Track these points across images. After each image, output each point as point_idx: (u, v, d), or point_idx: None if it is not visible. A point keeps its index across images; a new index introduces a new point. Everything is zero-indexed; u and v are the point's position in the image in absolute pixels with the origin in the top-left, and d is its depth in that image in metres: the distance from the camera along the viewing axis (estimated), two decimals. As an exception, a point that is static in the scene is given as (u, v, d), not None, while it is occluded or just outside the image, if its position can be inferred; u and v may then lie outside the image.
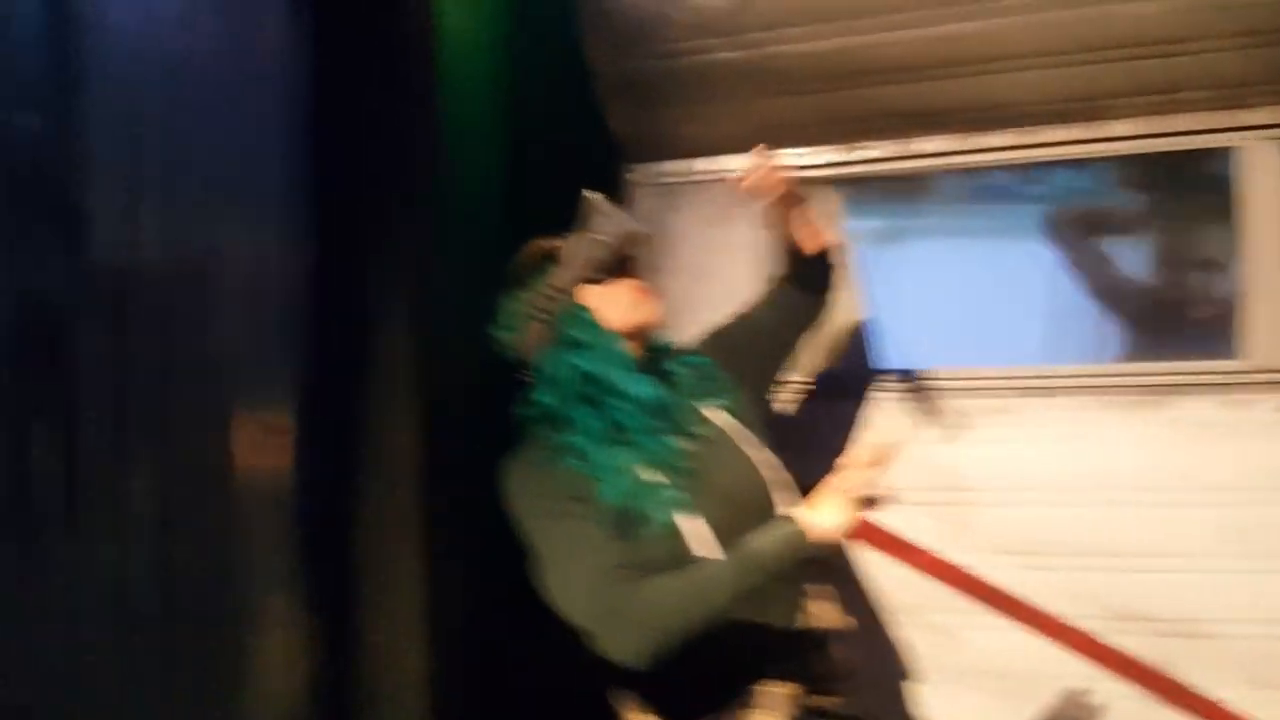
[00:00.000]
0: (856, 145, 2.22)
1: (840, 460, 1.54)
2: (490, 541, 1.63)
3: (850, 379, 2.24)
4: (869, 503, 1.51)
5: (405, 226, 1.81)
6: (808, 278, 1.85)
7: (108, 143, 1.30)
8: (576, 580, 1.43)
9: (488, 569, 1.81)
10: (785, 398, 2.20)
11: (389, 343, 1.76)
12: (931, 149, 2.18)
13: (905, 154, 2.19)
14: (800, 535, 1.46)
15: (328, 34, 1.72)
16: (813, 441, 2.05)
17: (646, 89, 2.18)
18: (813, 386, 2.24)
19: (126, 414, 1.31)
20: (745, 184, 1.71)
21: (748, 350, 1.81)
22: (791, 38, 2.05)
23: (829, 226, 1.83)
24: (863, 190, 2.31)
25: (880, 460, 1.53)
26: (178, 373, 1.42)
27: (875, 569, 2.17)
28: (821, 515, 1.48)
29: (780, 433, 1.73)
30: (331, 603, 1.67)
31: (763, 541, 1.46)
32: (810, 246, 1.81)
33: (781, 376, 1.87)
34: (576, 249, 1.62)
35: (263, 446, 1.57)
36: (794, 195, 1.75)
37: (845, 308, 2.19)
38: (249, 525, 1.55)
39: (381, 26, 1.80)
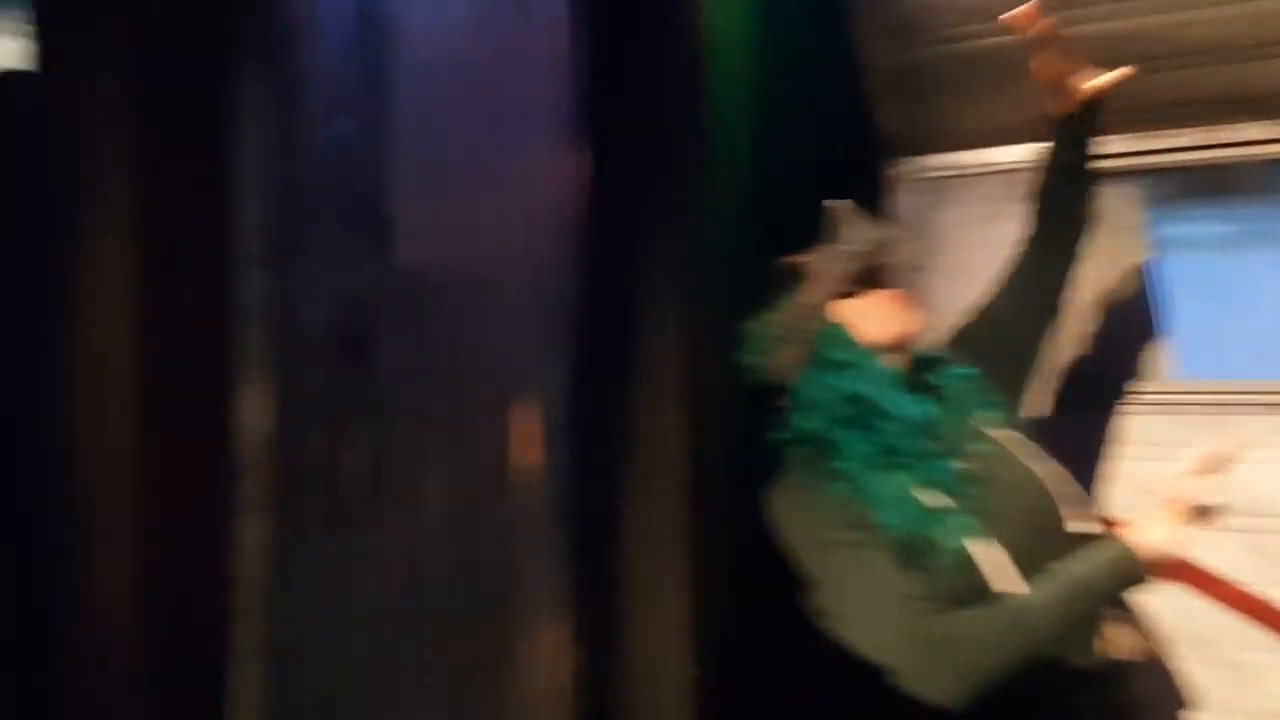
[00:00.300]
0: (1157, 134, 2.03)
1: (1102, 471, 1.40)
2: (755, 558, 1.59)
3: (1118, 386, 2.06)
4: (1201, 517, 1.37)
5: (672, 233, 1.80)
6: (1071, 157, 1.67)
7: (409, 148, 1.34)
8: (879, 615, 1.35)
9: (752, 585, 1.77)
10: (1040, 406, 2.04)
11: (656, 349, 1.76)
12: (1245, 137, 1.97)
13: (1214, 142, 1.99)
14: (1130, 557, 1.34)
15: (602, 36, 1.72)
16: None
17: (919, 79, 2.07)
18: (1069, 395, 2.07)
19: (422, 413, 1.34)
20: (1013, 19, 1.56)
21: (996, 348, 1.66)
22: (1082, 19, 1.89)
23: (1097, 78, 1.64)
24: (1166, 186, 2.11)
25: (1213, 470, 1.38)
26: (464, 374, 1.45)
27: (1161, 596, 1.99)
28: (1152, 533, 1.34)
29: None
30: (594, 605, 1.68)
31: (1088, 566, 1.34)
32: (1077, 96, 1.61)
33: (1035, 375, 1.71)
34: (824, 263, 1.54)
35: (536, 447, 1.59)
36: (1059, 41, 1.57)
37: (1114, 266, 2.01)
38: (521, 524, 1.57)
39: (654, 30, 1.78)
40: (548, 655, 1.60)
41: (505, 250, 1.55)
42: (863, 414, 1.48)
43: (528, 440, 1.57)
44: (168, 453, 1.03)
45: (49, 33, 1.03)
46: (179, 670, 1.01)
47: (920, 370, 1.56)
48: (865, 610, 1.36)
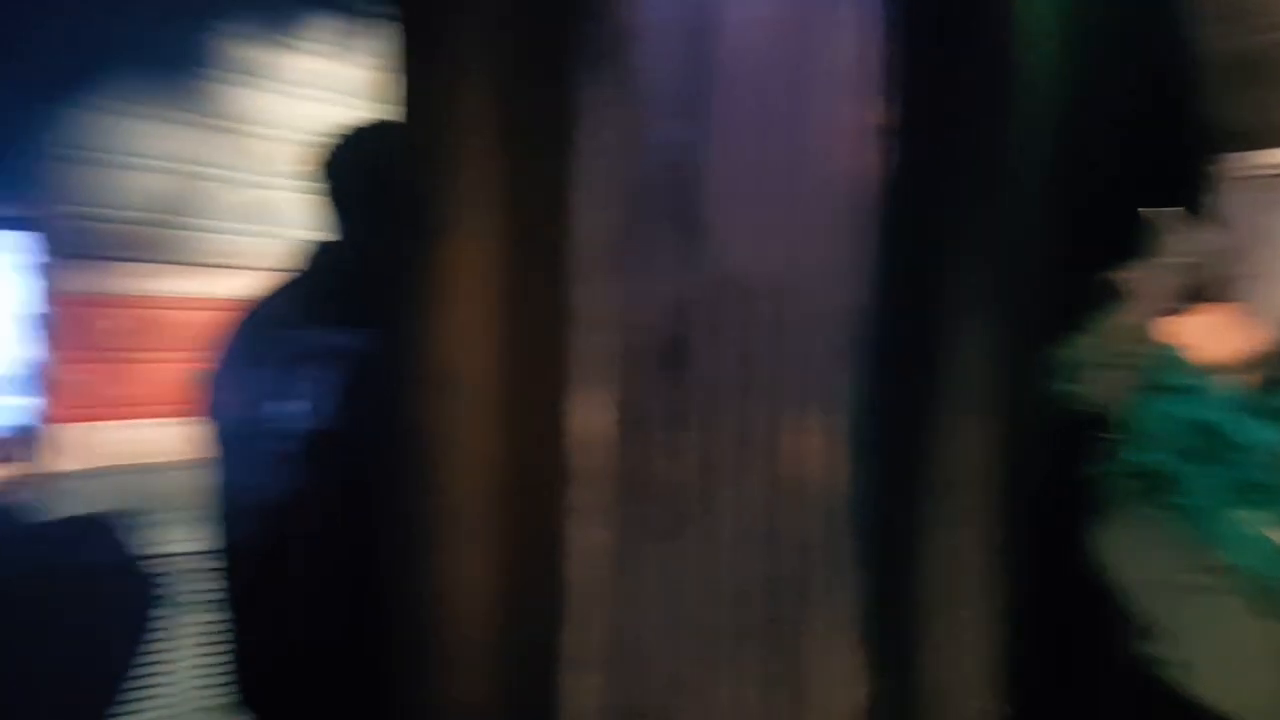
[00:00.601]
0: None
1: None
2: (1067, 594, 1.47)
3: None
4: None
5: (977, 242, 1.70)
6: None
7: (731, 152, 1.31)
8: (1246, 670, 1.23)
9: (1062, 623, 1.64)
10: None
11: (960, 366, 1.66)
12: None
13: None
14: None
15: (911, 39, 1.64)
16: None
17: (1262, 66, 1.87)
18: None
19: (728, 422, 1.31)
20: None
21: None
22: None
23: None
24: None
25: None
26: (768, 382, 1.41)
27: None
28: None
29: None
30: (891, 629, 1.60)
31: None
32: None
33: None
34: (1149, 278, 1.41)
35: (836, 461, 1.53)
36: None
37: None
38: (820, 540, 1.51)
39: (965, 28, 1.69)
40: (843, 677, 1.54)
41: (811, 257, 1.51)
42: (1211, 445, 1.34)
43: (829, 453, 1.52)
44: (513, 457, 1.04)
45: (412, 51, 1.08)
46: (517, 672, 1.03)
47: (1270, 393, 1.40)
48: (1230, 664, 1.24)
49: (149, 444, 2.78)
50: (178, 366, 2.82)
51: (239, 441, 1.70)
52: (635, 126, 1.16)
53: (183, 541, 2.80)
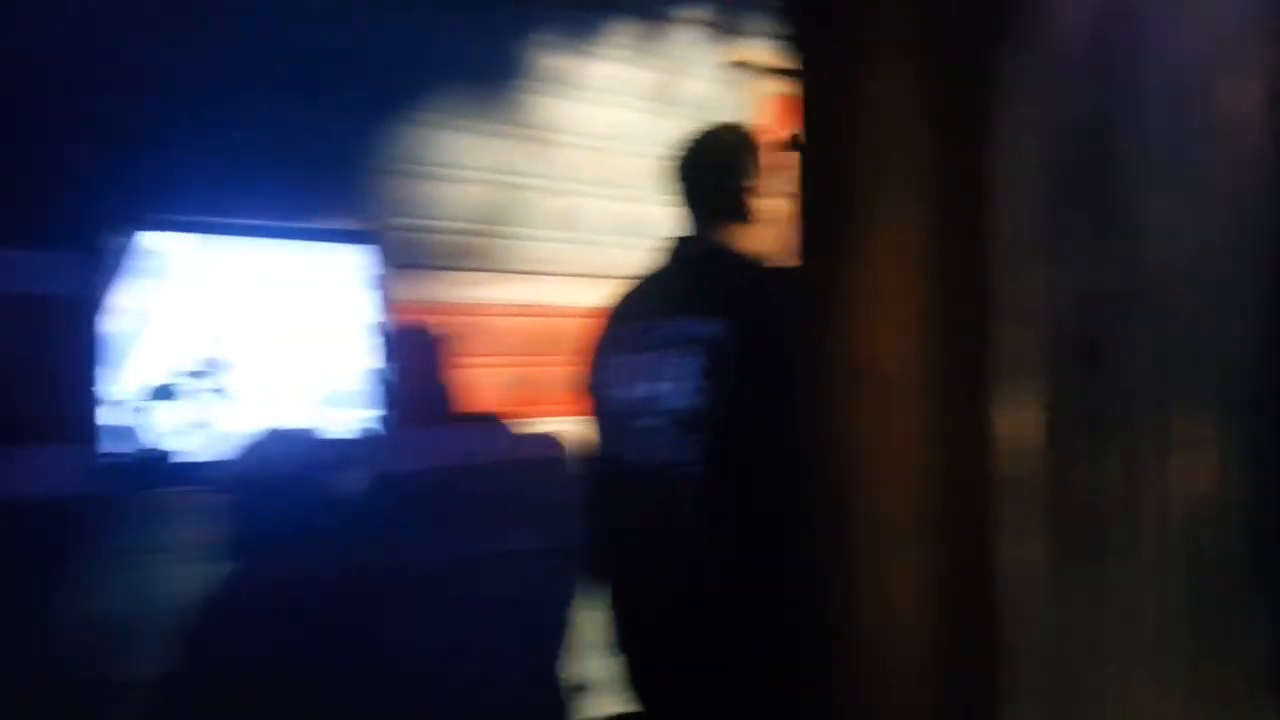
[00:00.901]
0: None
1: None
2: None
3: None
4: None
5: None
6: None
7: (1145, 127, 1.16)
8: None
9: None
10: None
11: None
12: None
13: None
14: None
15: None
16: None
17: None
18: None
19: (1158, 430, 1.17)
20: None
21: None
22: None
23: None
24: None
25: None
26: (1189, 385, 1.25)
27: None
28: None
29: None
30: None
31: None
32: None
33: None
34: None
35: (1260, 470, 1.35)
36: None
37: None
38: (1242, 562, 1.33)
39: None
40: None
41: (1228, 242, 1.33)
42: None
43: (1253, 461, 1.33)
44: (935, 462, 0.96)
45: (818, 31, 1.01)
46: (951, 705, 0.94)
47: None
48: None
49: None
50: (508, 371, 2.92)
51: (625, 431, 1.74)
52: (1055, 102, 1.05)
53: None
